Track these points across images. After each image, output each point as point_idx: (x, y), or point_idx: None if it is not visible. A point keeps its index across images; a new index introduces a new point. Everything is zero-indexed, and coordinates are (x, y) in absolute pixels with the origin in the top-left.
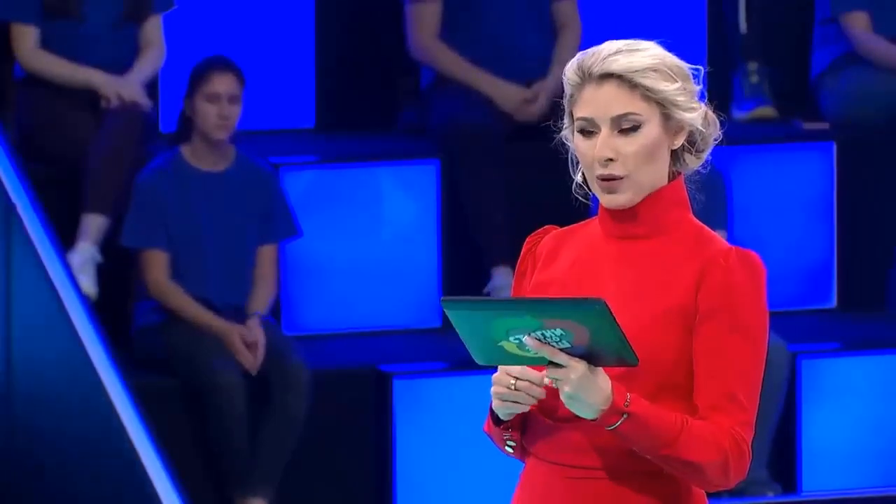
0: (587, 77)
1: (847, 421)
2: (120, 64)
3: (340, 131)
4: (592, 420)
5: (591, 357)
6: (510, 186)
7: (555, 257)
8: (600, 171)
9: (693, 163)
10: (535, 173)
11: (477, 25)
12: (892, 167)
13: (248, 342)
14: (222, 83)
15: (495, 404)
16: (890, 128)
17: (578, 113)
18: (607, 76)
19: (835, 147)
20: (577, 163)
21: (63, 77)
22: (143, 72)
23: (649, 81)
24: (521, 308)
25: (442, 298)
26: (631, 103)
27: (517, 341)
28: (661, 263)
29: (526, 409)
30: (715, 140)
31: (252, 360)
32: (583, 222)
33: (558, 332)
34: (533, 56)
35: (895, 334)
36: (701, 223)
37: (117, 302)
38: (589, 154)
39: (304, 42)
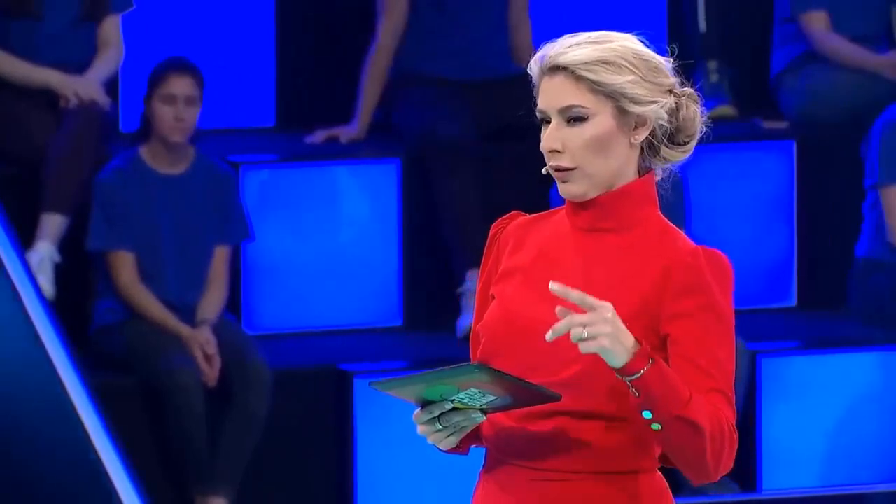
0: (542, 69)
1: (807, 419)
2: (79, 63)
3: (301, 130)
4: (620, 368)
5: (515, 404)
6: (483, 187)
7: (521, 245)
8: (551, 163)
9: (673, 156)
10: (508, 174)
11: (444, 24)
12: (852, 166)
13: (208, 354)
14: (178, 85)
15: (432, 442)
16: (849, 126)
17: (538, 104)
18: (557, 68)
19: (794, 146)
20: None
21: (20, 77)
22: (101, 71)
23: (594, 75)
24: (428, 378)
25: (370, 383)
26: (577, 96)
27: (457, 400)
28: (627, 261)
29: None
30: (700, 132)
31: (210, 373)
32: (551, 210)
33: (472, 391)
34: (494, 53)
35: (855, 333)
36: (667, 220)
37: (76, 301)
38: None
39: (265, 40)
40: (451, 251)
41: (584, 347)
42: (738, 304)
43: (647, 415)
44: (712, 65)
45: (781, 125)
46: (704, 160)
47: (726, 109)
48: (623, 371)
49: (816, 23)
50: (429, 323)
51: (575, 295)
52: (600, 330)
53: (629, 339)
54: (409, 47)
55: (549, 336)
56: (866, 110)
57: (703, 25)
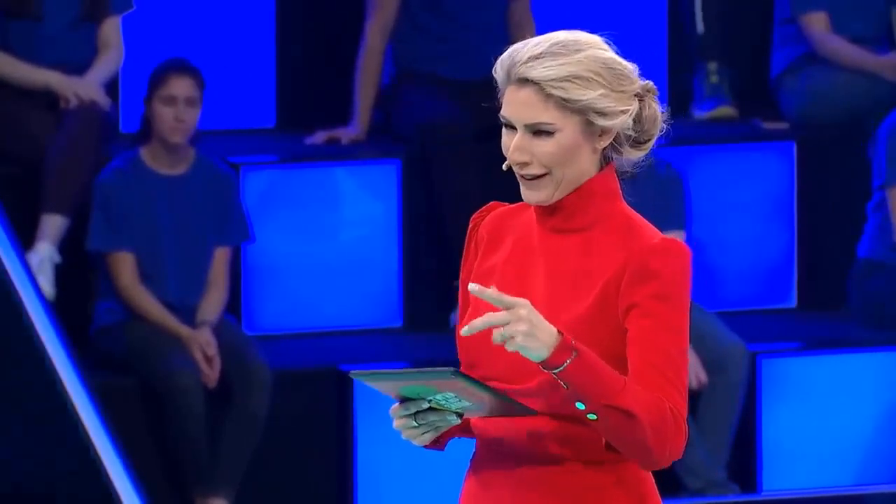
0: (508, 77)
1: (807, 420)
2: (79, 64)
3: (301, 130)
4: (542, 363)
5: (490, 412)
6: (483, 187)
7: (498, 242)
8: (520, 171)
9: (634, 155)
10: (508, 173)
11: (442, 24)
12: (852, 166)
13: (208, 355)
14: (179, 86)
15: (407, 437)
16: (849, 127)
17: (502, 109)
18: (525, 81)
19: (795, 147)
20: None
21: (20, 77)
22: (101, 72)
23: (564, 92)
24: (408, 376)
25: (350, 373)
26: (544, 112)
27: (434, 401)
28: (591, 258)
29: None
30: (661, 131)
31: (210, 374)
32: (524, 203)
33: (449, 394)
34: (493, 52)
35: (855, 334)
36: (634, 212)
37: (76, 302)
38: (507, 151)
39: (265, 41)
40: (455, 252)
41: (507, 347)
42: (738, 305)
43: (580, 406)
44: (712, 66)
45: (781, 126)
46: (704, 161)
47: (726, 110)
48: (546, 365)
49: (816, 24)
50: (428, 324)
51: (490, 293)
52: (514, 329)
53: (549, 334)
54: (408, 47)
55: (463, 331)
56: (866, 111)
57: (700, 27)
